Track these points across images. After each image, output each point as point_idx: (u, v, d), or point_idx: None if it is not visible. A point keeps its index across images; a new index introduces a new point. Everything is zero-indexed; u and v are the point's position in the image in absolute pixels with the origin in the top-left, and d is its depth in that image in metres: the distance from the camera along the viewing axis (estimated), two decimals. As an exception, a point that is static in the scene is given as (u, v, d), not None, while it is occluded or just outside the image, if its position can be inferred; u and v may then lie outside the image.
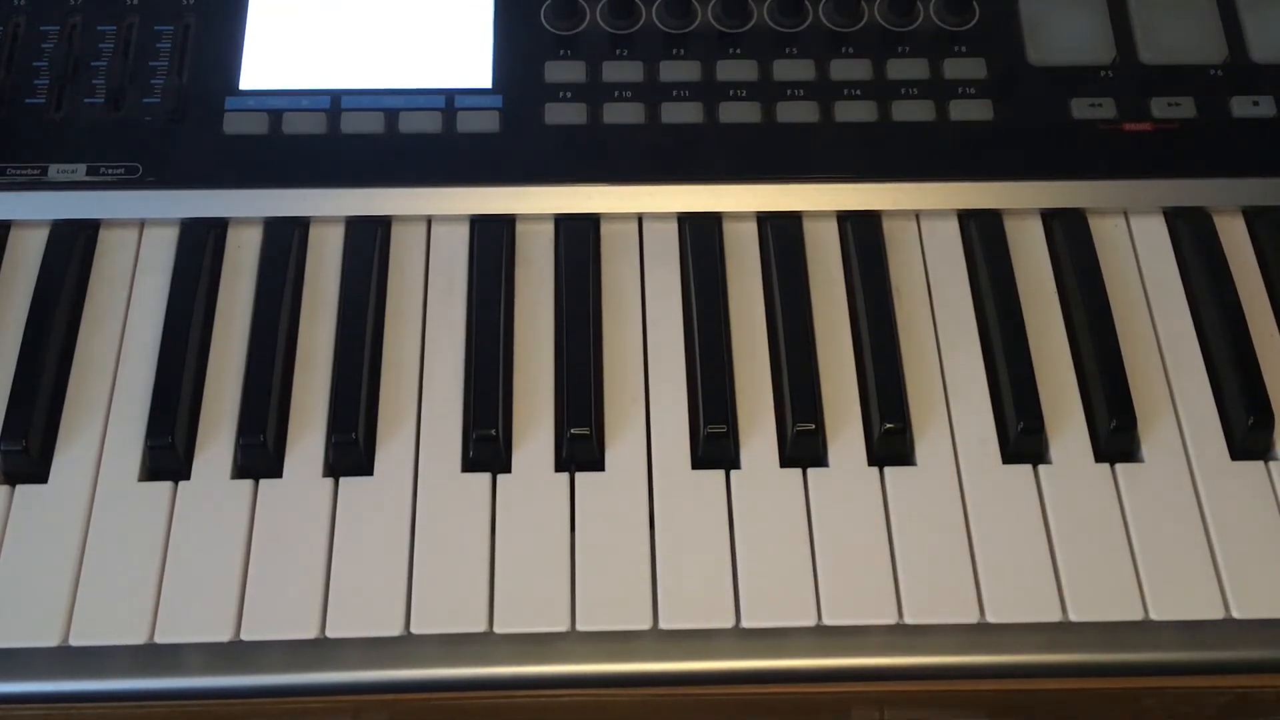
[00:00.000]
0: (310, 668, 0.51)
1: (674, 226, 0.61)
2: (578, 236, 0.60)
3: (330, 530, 0.53)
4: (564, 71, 0.64)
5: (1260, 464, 0.55)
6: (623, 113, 0.63)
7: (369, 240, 0.60)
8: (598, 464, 0.55)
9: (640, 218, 0.62)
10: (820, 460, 0.55)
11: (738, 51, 0.64)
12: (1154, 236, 0.62)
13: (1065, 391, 0.57)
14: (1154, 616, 0.51)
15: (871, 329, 0.58)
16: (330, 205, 0.61)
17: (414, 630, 0.51)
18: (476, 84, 0.63)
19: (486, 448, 0.54)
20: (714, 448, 0.55)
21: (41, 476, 0.54)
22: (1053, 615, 0.51)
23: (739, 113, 0.63)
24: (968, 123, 0.63)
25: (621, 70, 0.64)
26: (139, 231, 0.61)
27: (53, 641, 0.50)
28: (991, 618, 0.51)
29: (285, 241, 0.60)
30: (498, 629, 0.51)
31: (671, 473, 0.54)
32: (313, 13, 0.65)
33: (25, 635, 0.50)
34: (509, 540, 0.52)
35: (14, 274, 0.60)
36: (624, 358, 0.57)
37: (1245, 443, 0.56)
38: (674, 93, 0.63)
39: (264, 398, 0.55)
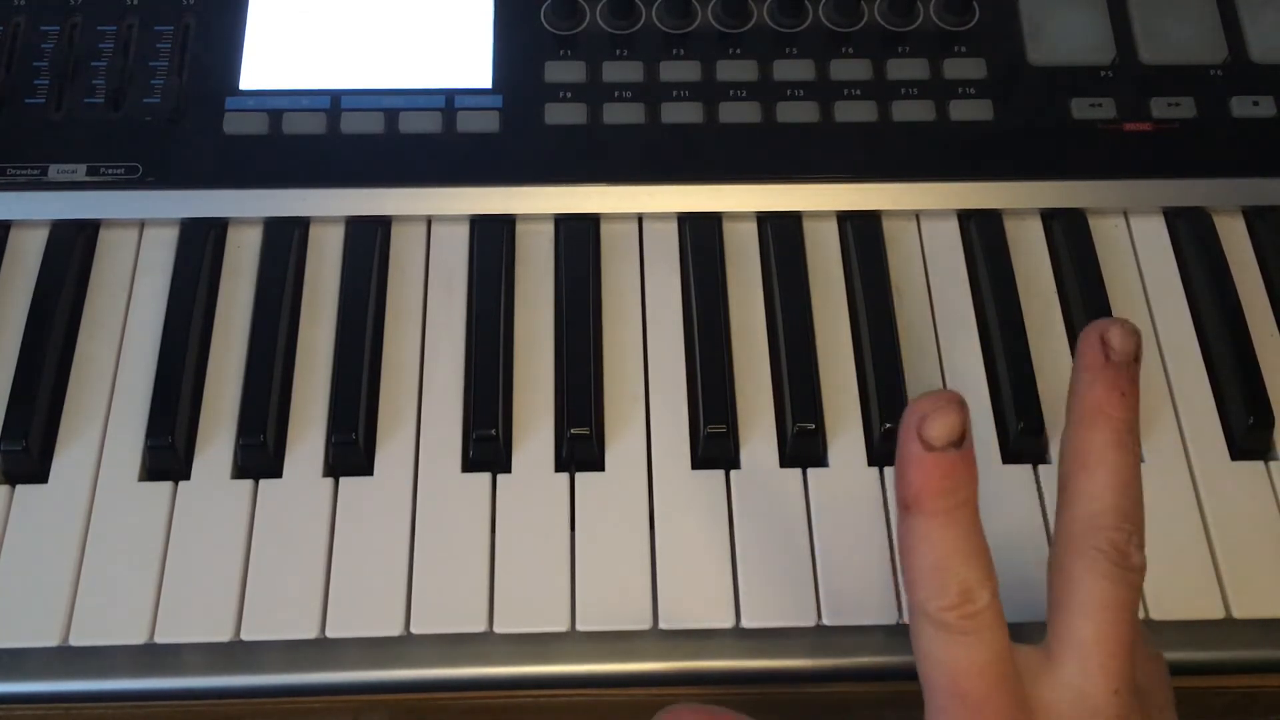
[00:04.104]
0: (310, 668, 0.51)
1: (674, 226, 0.61)
2: (578, 236, 0.60)
3: (330, 530, 0.53)
4: (564, 71, 0.64)
5: (1260, 464, 0.55)
6: (623, 113, 0.63)
7: (369, 240, 0.60)
8: (598, 464, 0.55)
9: (640, 218, 0.61)
10: (820, 460, 0.55)
11: (738, 51, 0.64)
12: (1154, 236, 0.62)
13: (1065, 391, 0.57)
14: (1154, 617, 0.51)
15: (871, 329, 0.58)
16: (330, 205, 0.61)
17: (414, 630, 0.51)
18: (476, 84, 0.63)
19: (486, 448, 0.54)
20: (714, 448, 0.55)
21: (41, 476, 0.54)
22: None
23: (739, 113, 0.63)
24: (968, 123, 0.63)
25: (621, 70, 0.64)
26: (139, 231, 0.61)
27: (53, 641, 0.50)
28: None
29: (285, 241, 0.60)
30: (498, 629, 0.51)
31: (671, 473, 0.54)
32: (313, 13, 0.65)
33: (25, 635, 0.50)
34: (509, 540, 0.52)
35: (14, 274, 0.59)
36: (624, 358, 0.57)
37: (1245, 443, 0.56)
38: (674, 93, 0.63)
39: (264, 398, 0.55)
